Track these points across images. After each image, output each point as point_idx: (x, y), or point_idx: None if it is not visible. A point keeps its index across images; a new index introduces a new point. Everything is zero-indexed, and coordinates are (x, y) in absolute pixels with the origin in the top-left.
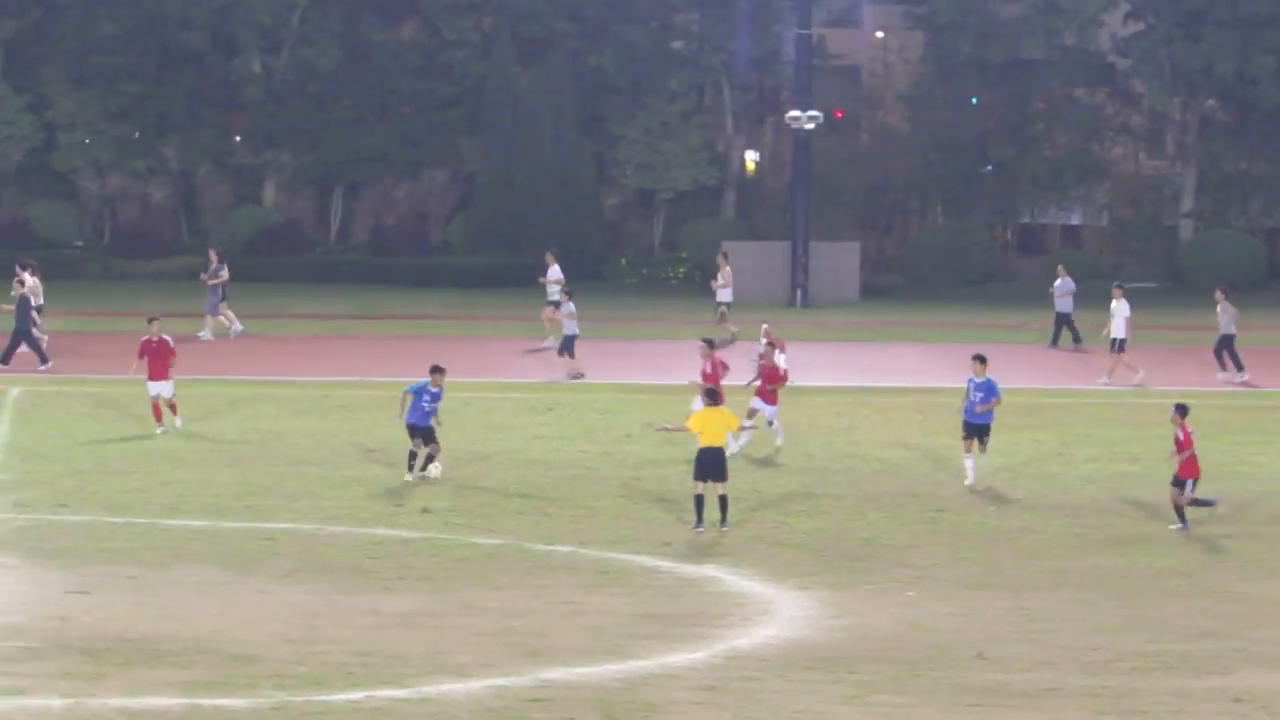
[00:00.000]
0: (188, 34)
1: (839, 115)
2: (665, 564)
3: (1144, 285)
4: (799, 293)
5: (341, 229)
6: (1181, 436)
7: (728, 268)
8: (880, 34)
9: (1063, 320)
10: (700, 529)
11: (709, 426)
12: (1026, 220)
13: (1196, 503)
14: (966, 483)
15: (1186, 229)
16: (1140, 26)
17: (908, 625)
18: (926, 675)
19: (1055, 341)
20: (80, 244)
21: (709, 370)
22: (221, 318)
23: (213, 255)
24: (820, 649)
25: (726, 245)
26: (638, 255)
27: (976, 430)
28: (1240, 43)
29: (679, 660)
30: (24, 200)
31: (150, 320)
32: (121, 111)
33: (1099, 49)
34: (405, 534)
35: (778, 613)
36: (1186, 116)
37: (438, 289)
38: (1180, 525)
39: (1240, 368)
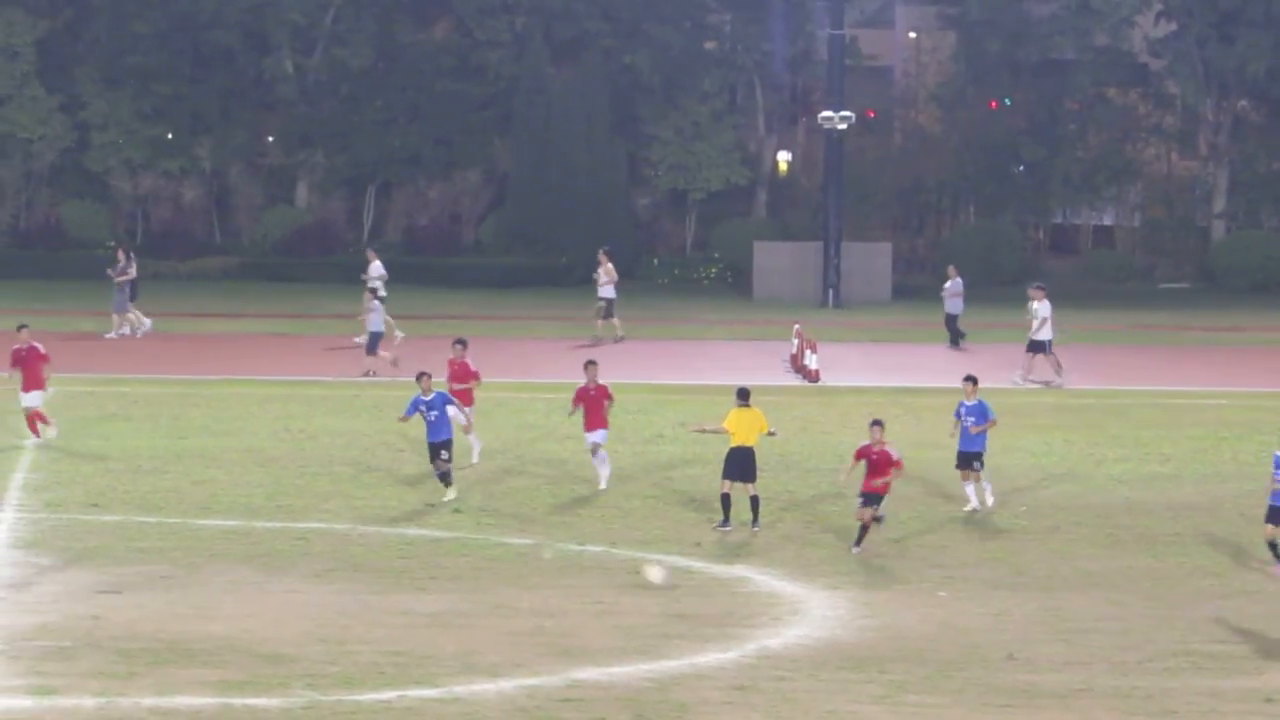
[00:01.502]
0: (220, 33)
1: (871, 115)
2: (696, 564)
3: (1177, 285)
4: (831, 293)
5: (374, 229)
6: (877, 453)
7: (609, 264)
8: (913, 34)
9: (951, 321)
10: (727, 528)
11: (740, 427)
12: (1059, 220)
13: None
14: (967, 509)
15: (1219, 229)
16: (1173, 27)
17: (939, 625)
18: (957, 675)
19: (955, 343)
20: (113, 244)
21: (460, 370)
22: (130, 315)
23: (119, 254)
24: (851, 649)
25: (758, 246)
26: (670, 255)
27: (969, 458)
28: (1274, 43)
29: (710, 660)
30: (57, 200)
31: (20, 328)
32: (154, 112)
33: (1131, 49)
34: (437, 534)
35: (808, 612)
36: (1219, 117)
37: (470, 289)
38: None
39: (1029, 362)
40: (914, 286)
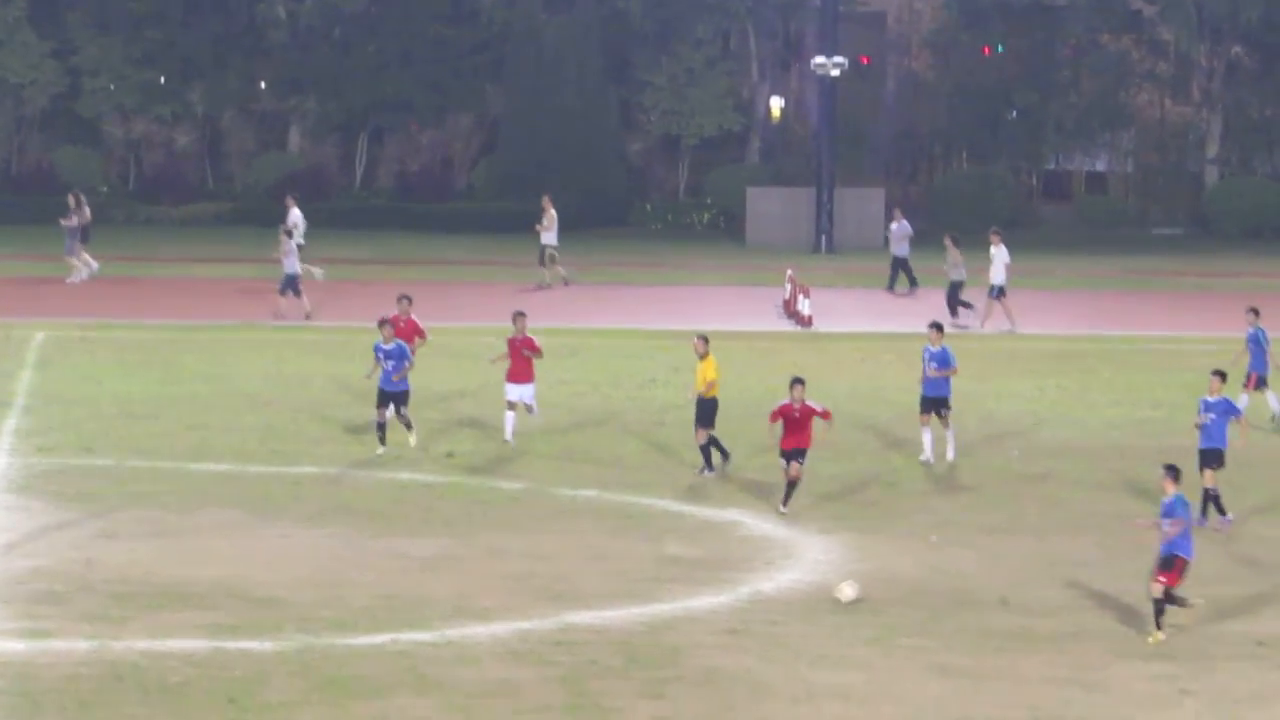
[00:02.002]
0: None
1: (864, 62)
2: (689, 508)
3: (1169, 231)
4: (823, 239)
5: (366, 174)
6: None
7: (552, 210)
8: None
9: (899, 264)
10: (710, 473)
11: (698, 376)
12: (1051, 166)
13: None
14: (921, 458)
15: (1211, 175)
16: None
17: (931, 569)
18: (950, 619)
19: (892, 286)
20: (105, 190)
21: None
22: (76, 260)
23: (71, 198)
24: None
25: (751, 191)
26: (662, 201)
27: (934, 403)
28: None
29: (702, 604)
30: (49, 146)
31: None
32: (146, 57)
33: None
34: (429, 478)
35: (801, 557)
36: (1213, 63)
37: (462, 234)
38: None
39: (963, 310)
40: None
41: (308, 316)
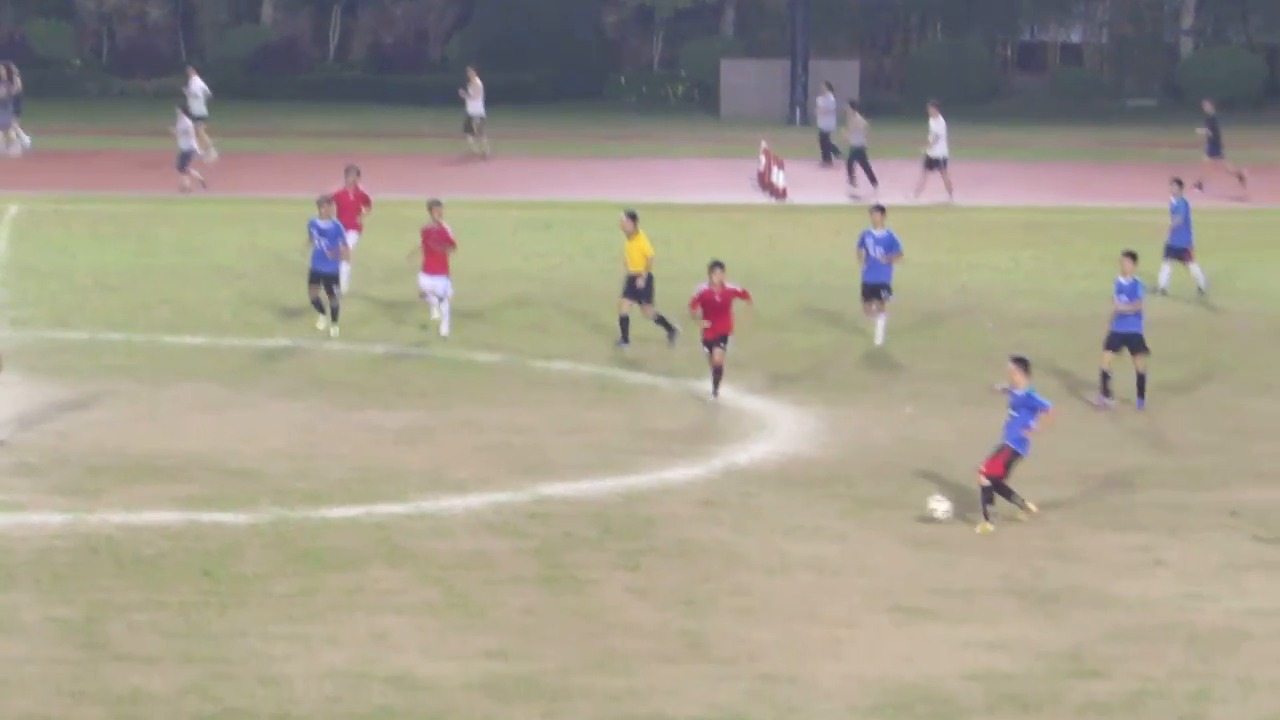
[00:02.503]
0: None
1: None
2: (664, 381)
3: (1144, 102)
4: (798, 110)
5: (340, 47)
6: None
7: (477, 80)
8: None
9: (824, 138)
10: (625, 346)
11: (629, 254)
12: (1026, 38)
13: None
14: (878, 343)
15: (1186, 45)
16: None
17: (905, 441)
18: (924, 490)
19: (828, 158)
20: (78, 62)
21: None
22: (11, 133)
23: (1, 69)
24: (818, 464)
25: (725, 64)
26: (637, 73)
27: (875, 289)
28: None
29: (677, 475)
30: (21, 18)
31: None
32: None
33: None
34: (404, 350)
35: (775, 429)
36: None
37: (436, 107)
38: None
39: (874, 180)
40: (881, 104)
41: (192, 188)
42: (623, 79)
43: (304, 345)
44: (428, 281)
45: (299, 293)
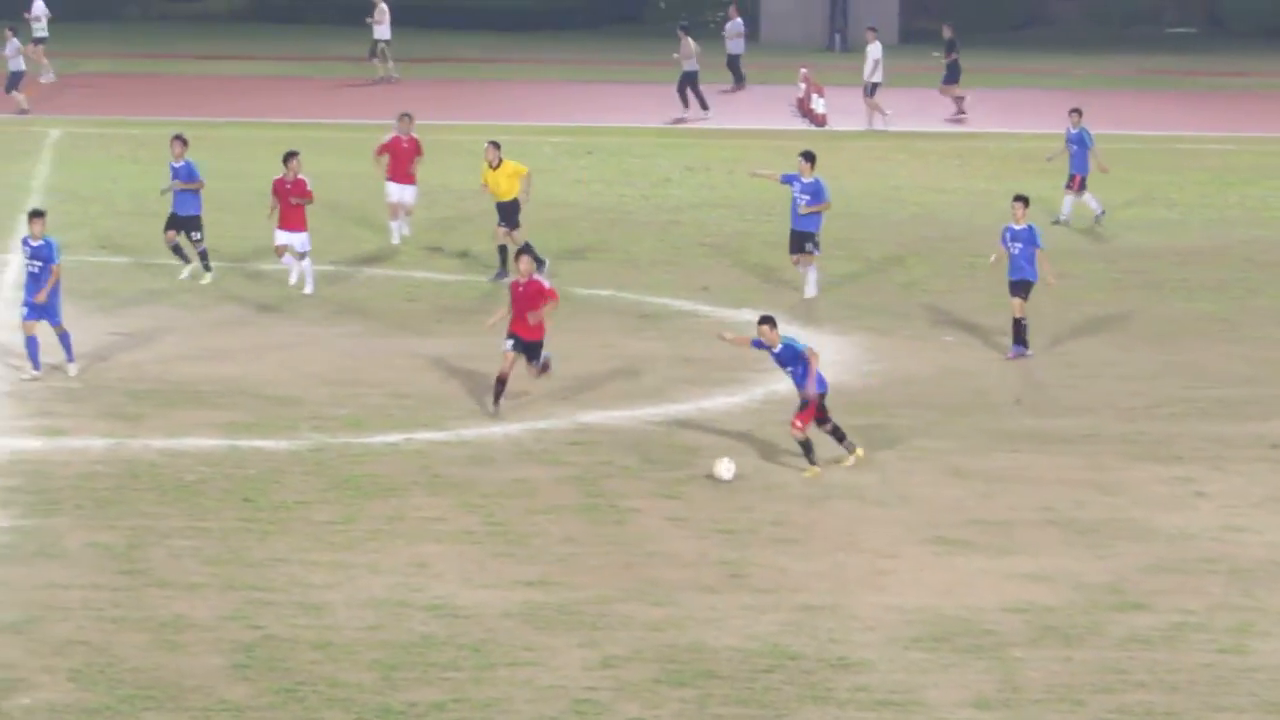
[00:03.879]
0: None
1: None
2: (704, 308)
3: (1184, 30)
4: (838, 37)
5: None
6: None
7: (383, 4)
8: None
9: (732, 61)
10: (504, 278)
11: (495, 184)
12: None
13: None
14: (806, 296)
15: None
16: None
17: (945, 370)
18: (964, 420)
19: (737, 80)
20: None
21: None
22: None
23: None
24: (858, 394)
25: None
26: None
27: (803, 239)
28: None
29: (717, 404)
30: None
31: None
32: None
33: None
34: (443, 276)
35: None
36: None
37: (477, 31)
38: None
39: (704, 106)
40: (921, 30)
41: (29, 108)
42: (662, 3)
43: (344, 271)
44: (284, 237)
45: (337, 218)
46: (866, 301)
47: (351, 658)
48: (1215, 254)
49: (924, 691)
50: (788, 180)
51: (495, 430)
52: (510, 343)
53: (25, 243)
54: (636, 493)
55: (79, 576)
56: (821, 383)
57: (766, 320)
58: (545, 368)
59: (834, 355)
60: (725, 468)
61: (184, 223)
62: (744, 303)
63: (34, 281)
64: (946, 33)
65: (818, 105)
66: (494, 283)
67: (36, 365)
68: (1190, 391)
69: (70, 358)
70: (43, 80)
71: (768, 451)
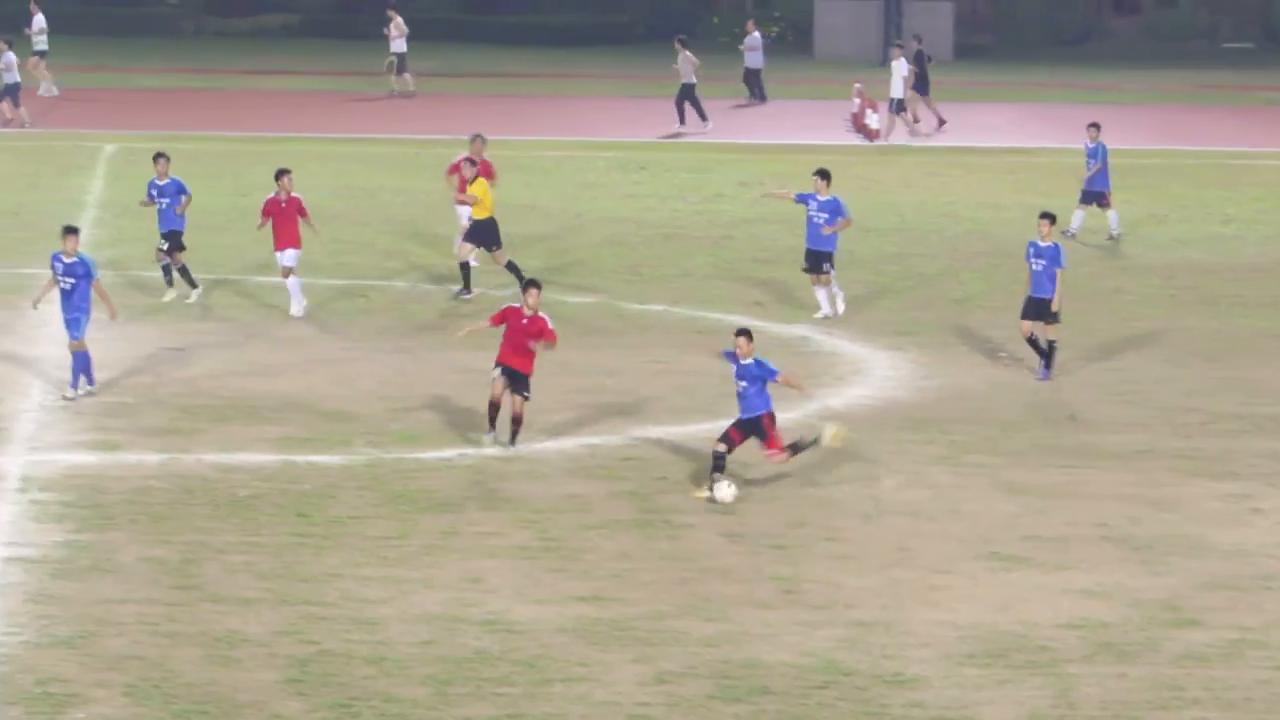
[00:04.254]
0: None
1: None
2: (757, 323)
3: (1240, 45)
4: (892, 52)
5: None
6: None
7: (399, 18)
8: None
9: (750, 75)
10: (466, 295)
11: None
12: None
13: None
14: (818, 315)
15: None
16: None
17: (999, 386)
18: (1018, 436)
19: (755, 94)
20: (174, 2)
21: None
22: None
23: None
24: (912, 409)
25: (819, 4)
26: (731, 13)
27: (820, 258)
28: None
29: None
30: None
31: None
32: None
33: None
34: (497, 293)
35: (870, 372)
36: None
37: (529, 47)
38: None
39: (703, 117)
40: (975, 46)
41: (13, 120)
42: (716, 19)
43: (396, 286)
44: (282, 257)
45: (392, 234)
46: (921, 317)
47: (405, 673)
48: (1271, 270)
49: (978, 708)
50: (802, 199)
51: (549, 445)
52: (498, 370)
53: (57, 259)
54: (690, 508)
55: (133, 591)
56: (767, 402)
57: (743, 333)
58: (524, 402)
59: (888, 370)
60: (726, 491)
61: (165, 236)
62: (796, 319)
63: (67, 299)
64: (915, 44)
65: (871, 120)
66: (456, 300)
67: (91, 380)
68: (1246, 408)
69: (75, 381)
70: (42, 94)
71: (822, 466)
